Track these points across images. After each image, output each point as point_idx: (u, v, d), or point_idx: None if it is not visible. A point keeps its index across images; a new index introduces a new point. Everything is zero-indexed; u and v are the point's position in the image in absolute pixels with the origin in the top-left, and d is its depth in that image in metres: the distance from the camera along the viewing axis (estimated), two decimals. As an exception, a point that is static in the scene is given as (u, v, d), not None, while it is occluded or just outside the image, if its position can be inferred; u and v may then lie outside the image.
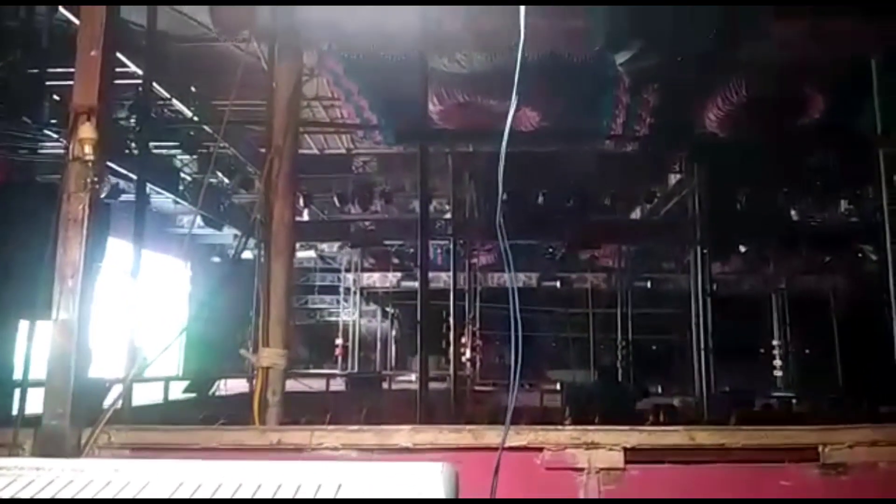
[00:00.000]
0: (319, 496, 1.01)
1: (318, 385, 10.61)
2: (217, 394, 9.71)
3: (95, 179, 2.27)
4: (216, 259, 12.07)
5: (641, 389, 9.18)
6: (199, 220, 9.83)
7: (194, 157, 9.35)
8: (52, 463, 1.16)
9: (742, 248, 10.97)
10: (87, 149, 2.34)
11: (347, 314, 14.07)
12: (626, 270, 11.45)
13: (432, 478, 1.07)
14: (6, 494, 1.03)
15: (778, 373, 11.46)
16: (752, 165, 8.59)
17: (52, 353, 2.09)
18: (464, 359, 10.55)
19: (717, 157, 8.57)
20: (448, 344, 10.51)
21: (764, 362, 11.61)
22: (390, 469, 1.10)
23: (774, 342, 11.84)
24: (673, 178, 9.92)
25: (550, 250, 11.32)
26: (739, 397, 8.40)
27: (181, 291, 11.45)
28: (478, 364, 11.02)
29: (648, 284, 11.83)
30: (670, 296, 10.95)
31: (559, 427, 1.81)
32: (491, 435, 1.68)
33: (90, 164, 2.32)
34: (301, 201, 10.17)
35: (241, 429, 2.10)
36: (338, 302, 14.48)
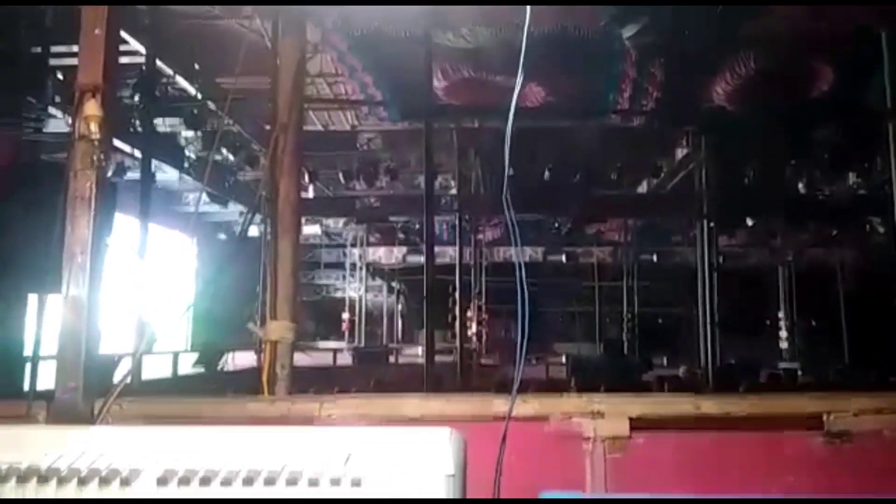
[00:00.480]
0: (331, 464, 1.03)
1: (324, 359, 10.69)
2: (225, 369, 9.81)
3: (102, 157, 2.28)
4: (222, 235, 12.11)
5: (646, 362, 9.23)
6: (204, 196, 9.86)
7: (198, 134, 9.35)
8: (68, 430, 1.18)
9: (749, 222, 10.93)
10: (93, 127, 2.34)
11: (353, 290, 14.13)
12: (633, 244, 11.44)
13: (441, 443, 1.08)
14: (26, 461, 1.06)
15: (784, 345, 11.49)
16: (760, 139, 8.53)
17: (63, 328, 2.12)
18: (469, 333, 10.62)
19: (724, 131, 8.52)
20: (454, 319, 10.57)
21: (770, 335, 11.63)
22: (399, 434, 1.12)
23: (780, 314, 11.86)
24: (680, 152, 9.88)
25: (556, 225, 11.32)
26: (745, 369, 8.44)
27: (188, 267, 11.53)
28: (483, 338, 11.08)
29: (654, 258, 11.82)
30: (676, 269, 10.95)
31: (565, 396, 1.83)
32: (498, 403, 1.71)
33: (96, 141, 2.32)
34: (306, 177, 10.18)
35: (251, 399, 2.13)
36: (344, 278, 14.53)
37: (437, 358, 9.56)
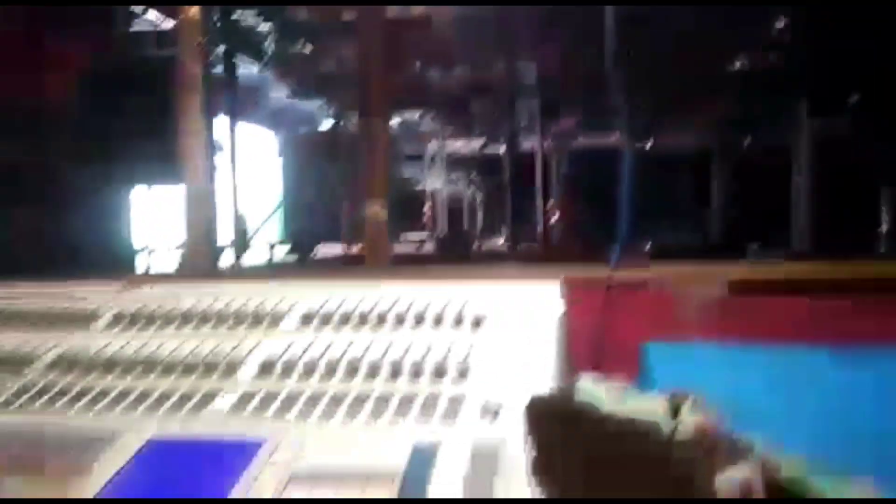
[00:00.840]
0: (451, 306, 1.12)
1: (407, 250, 10.98)
2: (315, 258, 10.28)
3: (205, 41, 2.37)
4: (308, 128, 12.34)
5: (740, 247, 9.00)
6: (287, 90, 10.00)
7: (276, 26, 9.35)
8: (213, 284, 1.32)
9: (851, 101, 10.23)
10: (193, 11, 2.42)
11: (433, 182, 14.26)
12: (726, 126, 10.91)
13: (551, 290, 1.16)
14: (181, 307, 1.20)
15: (884, 228, 10.97)
16: (866, 10, 7.84)
17: (188, 215, 2.30)
18: (552, 221, 10.63)
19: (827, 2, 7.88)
20: (534, 209, 10.58)
21: (870, 217, 11.08)
22: (509, 285, 1.20)
23: (882, 200, 11.24)
24: (778, 25, 9.20)
25: (643, 109, 10.84)
26: (843, 253, 8.15)
27: (275, 161, 11.91)
28: (565, 227, 11.06)
29: (747, 142, 11.27)
30: (770, 154, 10.44)
31: (663, 264, 1.87)
32: (595, 270, 1.76)
33: (198, 26, 2.40)
34: (389, 68, 10.10)
35: (354, 269, 2.27)
36: (423, 170, 14.64)
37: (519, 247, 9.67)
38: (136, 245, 6.95)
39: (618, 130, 11.44)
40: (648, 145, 11.61)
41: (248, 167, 9.73)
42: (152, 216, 7.39)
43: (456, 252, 10.15)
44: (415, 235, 12.89)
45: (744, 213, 10.46)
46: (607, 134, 11.62)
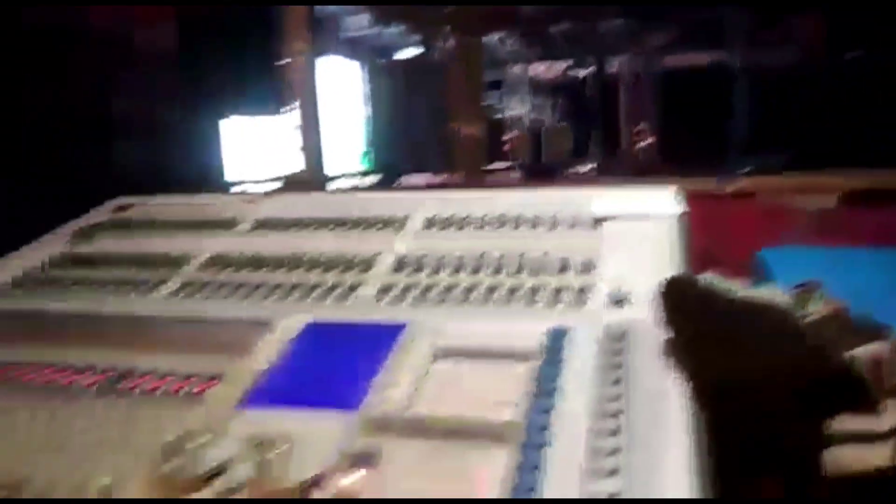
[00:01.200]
0: (569, 209, 1.16)
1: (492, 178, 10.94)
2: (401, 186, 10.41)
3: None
4: (388, 58, 12.28)
5: (847, 162, 8.53)
6: (367, 19, 9.92)
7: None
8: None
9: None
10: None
11: (515, 107, 13.98)
12: (832, 40, 10.09)
13: (667, 193, 1.18)
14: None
15: None
16: None
17: (303, 144, 2.39)
18: (640, 145, 10.33)
19: None
20: (621, 132, 10.29)
21: None
22: (626, 190, 1.22)
23: None
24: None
25: (741, 22, 10.15)
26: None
27: (358, 92, 11.96)
28: (656, 150, 10.71)
29: (855, 57, 10.42)
30: (878, 62, 9.63)
31: (773, 174, 1.83)
32: (705, 182, 1.74)
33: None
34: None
35: (460, 185, 2.33)
36: (504, 97, 14.36)
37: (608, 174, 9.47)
38: (232, 175, 7.25)
39: (712, 49, 10.87)
40: (742, 63, 10.95)
41: (331, 98, 9.83)
42: (243, 147, 7.65)
43: (542, 179, 10.04)
44: (498, 164, 12.77)
45: (850, 126, 9.80)
46: (698, 53, 11.03)
